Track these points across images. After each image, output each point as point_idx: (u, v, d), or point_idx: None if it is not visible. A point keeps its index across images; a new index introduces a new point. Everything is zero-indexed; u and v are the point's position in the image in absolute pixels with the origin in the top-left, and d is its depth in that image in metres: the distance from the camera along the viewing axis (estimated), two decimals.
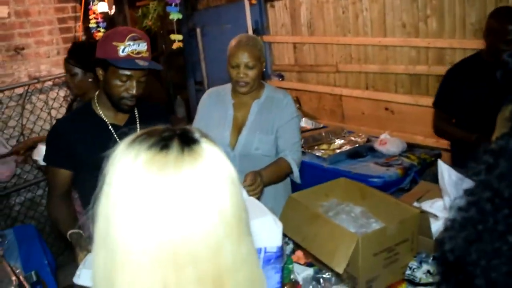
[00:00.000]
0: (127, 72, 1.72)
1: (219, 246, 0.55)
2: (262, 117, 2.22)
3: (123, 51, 1.66)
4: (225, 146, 2.20)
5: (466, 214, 0.62)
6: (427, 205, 1.93)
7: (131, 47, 1.67)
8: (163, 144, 0.59)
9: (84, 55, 2.51)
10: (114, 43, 1.67)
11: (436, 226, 1.78)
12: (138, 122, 1.91)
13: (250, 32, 4.60)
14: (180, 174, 0.56)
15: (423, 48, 3.44)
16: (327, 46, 4.22)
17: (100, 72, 1.78)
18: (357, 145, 3.45)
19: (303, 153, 3.38)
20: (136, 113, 1.93)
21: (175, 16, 2.77)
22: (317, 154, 3.32)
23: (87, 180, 1.71)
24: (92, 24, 3.59)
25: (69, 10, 3.93)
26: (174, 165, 0.57)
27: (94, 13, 3.37)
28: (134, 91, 1.75)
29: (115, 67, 1.70)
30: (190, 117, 6.72)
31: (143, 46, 1.71)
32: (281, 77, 4.76)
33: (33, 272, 1.77)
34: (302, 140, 3.51)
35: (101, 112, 1.86)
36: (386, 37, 3.67)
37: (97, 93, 1.89)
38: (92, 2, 3.34)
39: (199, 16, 5.83)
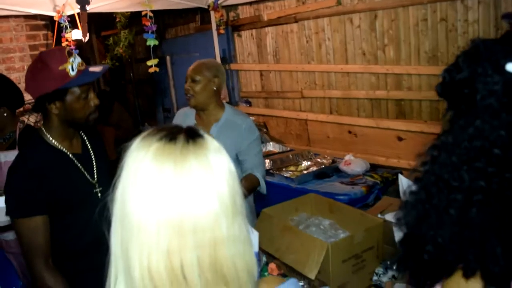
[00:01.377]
0: (85, 87, 1.64)
1: (216, 220, 0.67)
2: (221, 140, 2.31)
3: (72, 69, 1.58)
4: None
5: (416, 197, 0.78)
6: (389, 216, 2.07)
7: (76, 61, 1.60)
8: (171, 136, 0.70)
9: None
10: (60, 68, 1.57)
11: (399, 236, 1.92)
12: (90, 148, 1.83)
13: (218, 60, 4.75)
14: (185, 161, 0.67)
15: (382, 74, 3.67)
16: (292, 73, 4.42)
17: (55, 106, 1.61)
18: (323, 166, 3.60)
19: (272, 174, 3.51)
20: (84, 137, 1.84)
21: (151, 42, 2.89)
22: (285, 175, 3.45)
23: (55, 222, 1.64)
24: None
25: (41, 37, 3.98)
26: (181, 153, 0.68)
27: (66, 40, 3.42)
28: (95, 101, 1.69)
29: (75, 88, 1.61)
30: None
31: (76, 54, 1.65)
32: (249, 103, 4.91)
33: None
34: (271, 162, 3.66)
35: (57, 143, 1.69)
36: (347, 64, 3.90)
37: (43, 127, 1.71)
38: (65, 30, 3.40)
39: (167, 44, 5.98)
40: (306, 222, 2.10)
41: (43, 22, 4.02)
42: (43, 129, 1.71)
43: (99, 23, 6.42)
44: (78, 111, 1.65)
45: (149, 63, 3.17)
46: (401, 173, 3.40)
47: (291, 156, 3.84)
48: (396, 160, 3.61)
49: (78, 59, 1.63)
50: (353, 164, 3.49)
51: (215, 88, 2.33)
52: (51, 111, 1.63)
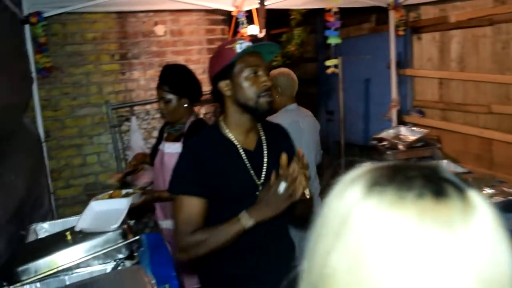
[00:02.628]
0: (253, 60, 1.62)
1: None
2: None
3: (239, 48, 1.60)
4: None
5: None
6: None
7: (244, 43, 1.62)
8: (436, 189, 0.47)
9: (177, 79, 2.44)
10: (227, 47, 1.63)
11: None
12: (265, 145, 1.74)
13: (393, 64, 4.39)
14: (468, 230, 0.45)
15: None
16: (479, 84, 3.84)
17: (224, 85, 1.64)
18: (511, 197, 3.02)
19: None
20: (262, 134, 1.76)
21: (333, 40, 2.70)
22: None
23: (213, 211, 1.64)
24: None
25: (219, 32, 4.12)
26: (462, 218, 0.46)
27: (242, 36, 3.45)
28: (268, 83, 1.63)
29: (241, 63, 1.62)
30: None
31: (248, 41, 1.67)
32: (422, 113, 4.45)
33: (167, 286, 1.75)
34: None
35: (231, 135, 1.68)
36: None
37: (221, 117, 1.74)
38: (242, 25, 3.43)
39: (337, 45, 5.76)
40: None
41: (222, 17, 4.15)
42: (220, 119, 1.73)
43: (269, 21, 6.52)
44: (247, 90, 1.61)
45: (328, 63, 2.99)
46: None
47: (470, 180, 3.31)
48: None
49: (247, 43, 1.62)
50: None
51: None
52: (224, 94, 1.66)
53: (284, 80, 2.79)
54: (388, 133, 4.20)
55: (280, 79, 2.77)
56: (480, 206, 0.47)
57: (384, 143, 4.02)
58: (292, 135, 1.91)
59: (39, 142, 3.27)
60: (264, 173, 1.67)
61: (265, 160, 1.69)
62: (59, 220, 2.66)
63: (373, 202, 0.48)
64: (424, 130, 4.04)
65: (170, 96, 2.41)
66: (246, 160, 1.66)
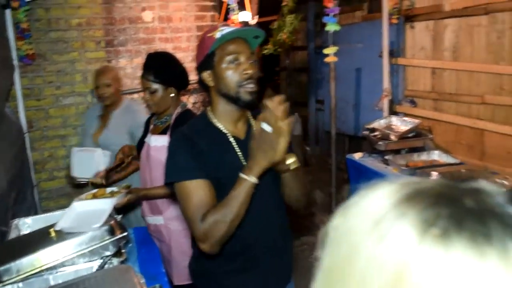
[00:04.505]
0: (233, 48, 1.54)
1: None
2: None
3: (219, 35, 1.53)
4: None
5: None
6: None
7: (226, 29, 1.54)
8: (482, 231, 0.37)
9: (162, 68, 2.34)
10: (209, 35, 1.56)
11: None
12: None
13: (385, 53, 4.32)
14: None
15: None
16: (473, 74, 3.79)
17: (207, 75, 1.60)
18: (504, 189, 2.98)
19: None
20: (252, 123, 1.69)
21: (332, 27, 2.61)
22: None
23: None
24: None
25: (208, 18, 4.01)
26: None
27: (233, 22, 3.35)
28: (249, 70, 1.54)
29: (220, 49, 1.55)
30: (305, 134, 6.58)
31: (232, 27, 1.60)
32: (414, 103, 4.40)
33: (157, 286, 1.67)
34: (439, 176, 3.15)
35: (219, 125, 1.62)
36: None
37: (209, 107, 1.68)
38: (232, 12, 3.32)
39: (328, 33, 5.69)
40: None
41: (212, 3, 4.05)
42: (208, 109, 1.67)
43: (260, 8, 6.40)
44: (227, 79, 1.55)
45: (326, 51, 2.90)
46: None
47: (463, 171, 3.28)
48: None
49: (230, 28, 1.53)
50: None
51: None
52: (208, 84, 1.61)
53: None
54: (379, 123, 4.14)
55: None
56: None
57: (376, 133, 3.97)
58: None
59: (21, 133, 3.15)
60: None
61: None
62: (42, 215, 2.57)
63: (436, 254, 0.37)
64: (416, 121, 3.98)
65: (155, 85, 2.31)
66: (237, 148, 1.61)
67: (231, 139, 1.61)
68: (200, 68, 1.62)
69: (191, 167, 1.53)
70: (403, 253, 0.38)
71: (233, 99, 1.57)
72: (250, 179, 1.41)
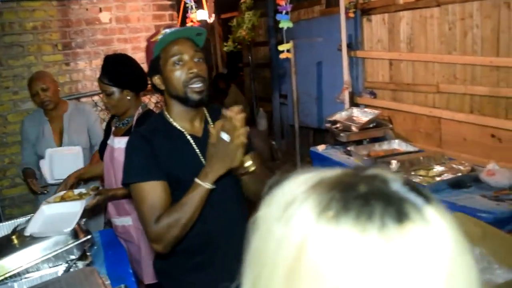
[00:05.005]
0: (176, 48, 1.56)
1: None
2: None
3: (161, 37, 1.56)
4: None
5: None
6: None
7: (169, 32, 1.56)
8: (395, 214, 0.42)
9: (117, 71, 2.35)
10: (152, 40, 1.59)
11: None
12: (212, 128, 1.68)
13: (344, 46, 4.41)
14: (430, 249, 0.41)
15: None
16: (428, 64, 3.92)
17: (157, 79, 1.62)
18: (459, 174, 3.12)
19: None
20: (209, 121, 1.72)
21: (285, 24, 2.66)
22: (414, 180, 3.04)
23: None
24: None
25: (167, 17, 3.99)
26: (425, 241, 0.42)
27: (191, 21, 3.35)
28: (194, 69, 1.55)
29: (163, 52, 1.57)
30: (271, 129, 6.64)
31: (175, 28, 1.63)
32: (374, 94, 4.51)
33: (123, 286, 1.68)
34: (398, 164, 3.26)
35: (176, 124, 1.64)
36: (499, 57, 3.32)
37: (165, 107, 1.70)
38: (190, 10, 3.32)
39: (289, 28, 5.75)
40: None
41: (169, 2, 4.03)
42: (164, 109, 1.69)
43: (219, 5, 6.40)
44: (174, 81, 1.56)
45: (281, 47, 2.95)
46: None
47: (421, 158, 3.39)
48: None
49: (172, 29, 1.56)
50: (498, 174, 2.95)
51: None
52: (159, 88, 1.64)
53: None
54: (341, 115, 4.24)
55: None
56: (440, 222, 0.44)
57: (338, 125, 4.06)
58: None
59: None
60: None
61: None
62: (6, 223, 2.53)
63: (329, 231, 0.42)
64: (376, 111, 4.09)
65: (111, 88, 2.32)
66: (195, 145, 1.63)
67: (189, 137, 1.63)
68: (150, 74, 1.65)
69: (147, 169, 1.55)
70: (303, 232, 0.43)
71: (183, 100, 1.60)
72: (205, 185, 1.46)
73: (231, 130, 1.41)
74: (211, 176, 1.46)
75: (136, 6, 3.89)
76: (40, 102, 2.98)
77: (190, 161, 1.61)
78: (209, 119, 1.72)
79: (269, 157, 6.40)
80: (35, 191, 2.92)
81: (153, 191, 1.52)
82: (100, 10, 3.85)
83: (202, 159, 1.60)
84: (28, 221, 2.11)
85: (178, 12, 3.81)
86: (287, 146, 6.48)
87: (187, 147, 1.62)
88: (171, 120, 1.65)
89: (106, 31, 3.88)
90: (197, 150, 1.62)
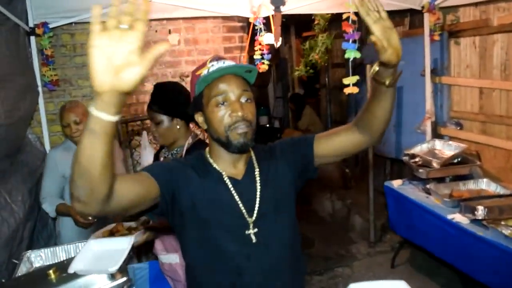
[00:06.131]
0: (221, 88, 1.35)
1: None
2: None
3: (206, 73, 1.36)
4: None
5: None
6: None
7: (216, 65, 1.36)
8: None
9: (167, 98, 2.20)
10: (197, 73, 1.40)
11: None
12: (258, 175, 1.46)
13: (428, 71, 4.02)
14: None
15: None
16: None
17: (199, 117, 1.45)
18: None
19: (485, 227, 2.70)
20: (254, 160, 1.50)
21: (351, 54, 2.40)
22: (504, 232, 2.60)
23: (192, 237, 1.41)
24: (256, 56, 3.41)
25: (236, 40, 3.88)
26: None
27: (260, 44, 3.19)
28: (239, 112, 1.34)
29: (205, 89, 1.38)
30: None
31: (229, 63, 1.39)
32: (460, 125, 4.06)
33: None
34: (485, 210, 2.82)
35: (215, 166, 1.45)
36: None
37: (207, 148, 1.51)
38: (259, 33, 3.17)
39: (368, 50, 5.41)
40: None
41: (240, 24, 3.92)
42: (207, 150, 1.51)
43: (299, 23, 6.24)
44: (216, 123, 1.37)
45: (346, 81, 2.67)
46: None
47: None
48: None
49: (222, 64, 1.37)
50: None
51: None
52: (201, 127, 1.47)
53: None
54: (421, 148, 3.85)
55: None
56: None
57: (417, 159, 3.67)
58: None
59: (42, 161, 3.11)
60: (256, 209, 1.40)
61: (258, 194, 1.42)
62: (58, 247, 2.50)
63: None
64: (462, 145, 3.66)
65: (160, 116, 2.19)
66: (232, 188, 1.41)
67: (226, 178, 1.42)
68: (192, 110, 1.47)
69: (159, 168, 1.39)
70: None
71: (225, 145, 1.39)
72: (91, 110, 0.97)
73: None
74: (96, 97, 0.96)
75: (205, 28, 3.82)
76: (70, 135, 2.84)
77: (226, 206, 1.40)
78: (254, 162, 1.49)
79: (342, 184, 6.06)
80: (83, 226, 2.77)
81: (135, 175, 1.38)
82: (170, 32, 3.82)
83: (243, 209, 1.39)
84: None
85: (247, 34, 3.69)
86: (362, 173, 6.09)
87: (224, 189, 1.41)
88: (211, 161, 1.46)
89: (174, 52, 3.83)
90: (235, 194, 1.41)
